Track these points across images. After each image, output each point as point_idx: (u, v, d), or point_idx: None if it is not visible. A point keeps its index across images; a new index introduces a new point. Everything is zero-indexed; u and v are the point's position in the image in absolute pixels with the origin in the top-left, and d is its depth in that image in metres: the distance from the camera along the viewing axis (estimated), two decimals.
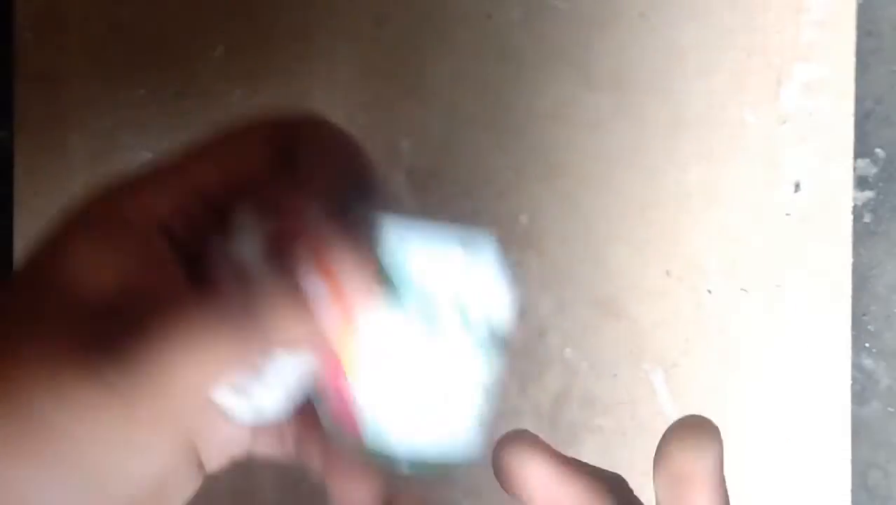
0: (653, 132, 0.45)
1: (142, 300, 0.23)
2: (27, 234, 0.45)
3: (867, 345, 0.46)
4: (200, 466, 0.27)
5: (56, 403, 0.22)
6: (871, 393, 0.46)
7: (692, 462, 0.22)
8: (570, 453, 0.45)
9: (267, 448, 0.28)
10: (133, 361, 0.21)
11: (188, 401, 0.22)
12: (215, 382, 0.22)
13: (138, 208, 0.24)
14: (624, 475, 0.45)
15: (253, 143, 0.25)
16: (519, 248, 0.44)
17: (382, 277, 0.23)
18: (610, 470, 0.26)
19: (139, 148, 0.45)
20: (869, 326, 0.46)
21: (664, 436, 0.22)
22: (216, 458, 0.27)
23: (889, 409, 0.46)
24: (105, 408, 0.22)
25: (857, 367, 0.45)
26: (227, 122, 0.26)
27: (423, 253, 0.24)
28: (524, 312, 0.45)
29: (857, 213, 0.45)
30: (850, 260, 0.44)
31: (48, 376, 0.22)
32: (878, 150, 0.46)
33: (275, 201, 0.24)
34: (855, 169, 0.45)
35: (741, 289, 0.44)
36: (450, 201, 0.45)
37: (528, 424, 0.45)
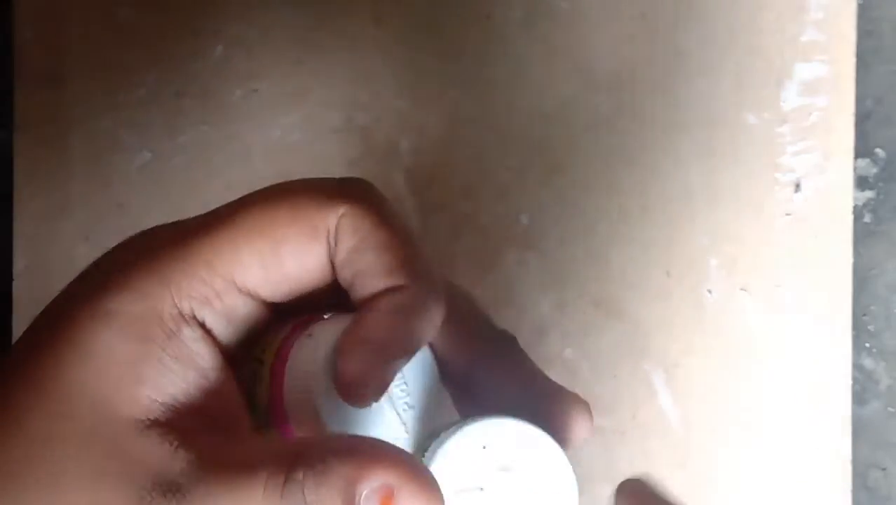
0: (653, 132, 0.45)
1: (199, 423, 0.21)
2: (27, 234, 0.44)
3: (867, 345, 0.46)
4: None
5: None
6: (872, 393, 0.46)
7: None
8: (571, 453, 0.45)
9: None
10: None
11: None
12: None
13: (168, 295, 0.22)
14: (624, 475, 0.45)
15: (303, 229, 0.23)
16: (519, 249, 0.44)
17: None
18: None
19: (139, 148, 0.45)
20: (869, 326, 0.46)
21: None
22: None
23: (889, 409, 0.46)
24: None
25: (857, 367, 0.45)
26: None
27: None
28: (525, 312, 0.45)
29: (858, 213, 0.45)
30: (851, 260, 0.44)
31: None
32: (878, 150, 0.46)
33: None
34: (855, 169, 0.45)
35: (741, 289, 0.44)
36: (450, 201, 0.44)
37: None
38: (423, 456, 0.23)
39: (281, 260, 0.22)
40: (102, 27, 0.45)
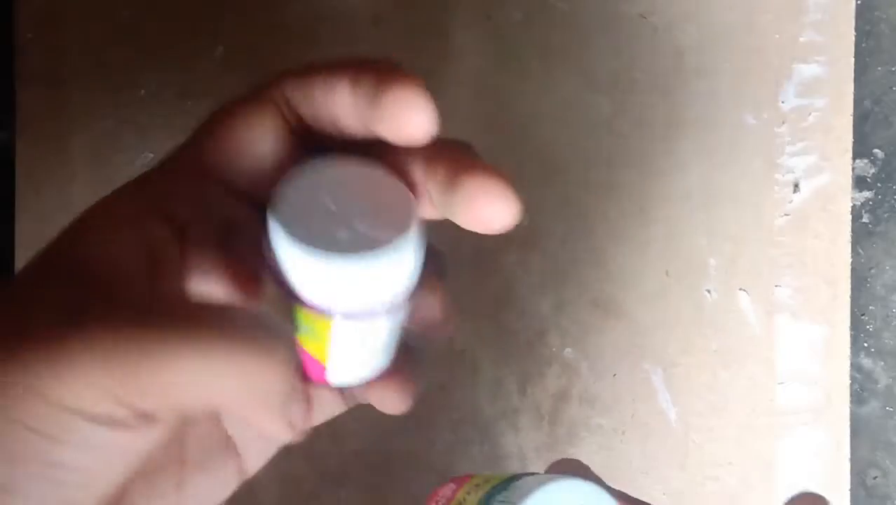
0: (652, 133, 0.45)
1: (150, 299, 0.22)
2: (28, 234, 0.45)
3: (866, 344, 0.46)
4: (240, 469, 0.27)
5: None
6: (870, 392, 0.46)
7: None
8: (570, 453, 0.45)
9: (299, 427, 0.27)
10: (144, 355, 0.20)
11: (188, 407, 0.21)
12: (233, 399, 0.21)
13: (147, 199, 0.24)
14: (623, 474, 0.45)
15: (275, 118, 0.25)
16: (519, 249, 0.45)
17: None
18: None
19: (140, 148, 0.45)
20: (868, 326, 0.46)
21: None
22: (254, 458, 0.27)
23: (888, 408, 0.46)
24: (92, 385, 0.20)
25: (855, 366, 0.46)
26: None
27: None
28: (524, 312, 0.45)
29: (856, 213, 0.46)
30: (849, 260, 0.44)
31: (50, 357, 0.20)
32: (876, 151, 0.46)
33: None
34: (853, 169, 0.45)
35: (740, 289, 0.44)
36: None
37: (528, 424, 0.45)
38: (513, 482, 0.25)
39: (237, 133, 0.24)
40: (103, 28, 0.45)
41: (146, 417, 0.21)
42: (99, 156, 0.45)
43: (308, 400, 0.28)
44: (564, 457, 0.27)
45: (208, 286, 0.24)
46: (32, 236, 0.45)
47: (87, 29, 0.45)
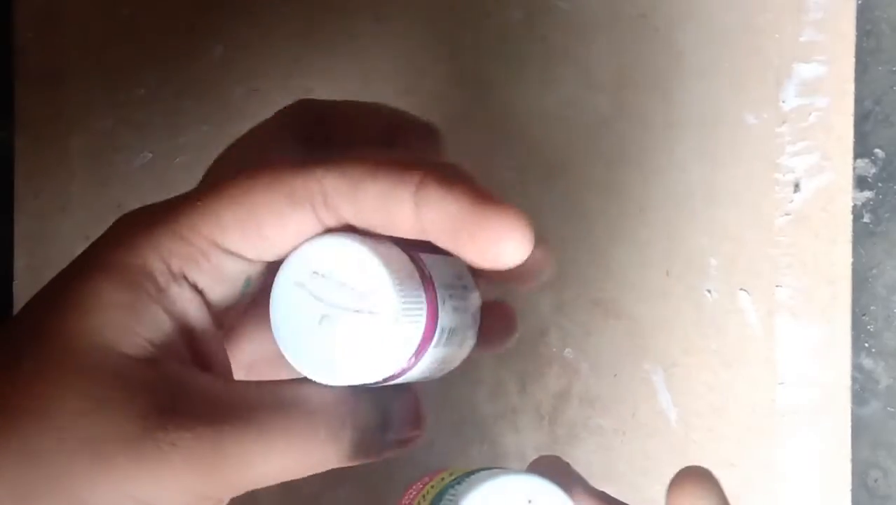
0: (653, 132, 0.45)
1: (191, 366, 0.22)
2: (27, 234, 0.45)
3: (867, 345, 0.46)
4: None
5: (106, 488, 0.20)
6: (871, 393, 0.46)
7: None
8: (570, 453, 0.45)
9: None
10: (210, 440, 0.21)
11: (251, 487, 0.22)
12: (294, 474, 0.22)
13: (157, 253, 0.23)
14: (623, 475, 0.45)
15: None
16: None
17: None
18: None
19: (139, 148, 0.45)
20: (869, 326, 0.46)
21: (669, 491, 0.23)
22: None
23: (889, 408, 0.46)
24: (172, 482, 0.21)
25: (856, 367, 0.46)
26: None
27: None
28: (524, 312, 0.45)
29: (857, 213, 0.45)
30: (850, 260, 0.44)
31: (95, 456, 0.20)
32: (877, 151, 0.46)
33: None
34: (854, 169, 0.45)
35: (741, 289, 0.44)
36: None
37: (528, 424, 0.45)
38: (460, 484, 0.24)
39: (261, 229, 0.23)
40: (103, 27, 0.45)
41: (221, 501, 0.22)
42: (98, 155, 0.45)
43: None
44: (552, 454, 0.27)
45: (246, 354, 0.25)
46: (31, 235, 0.45)
47: (86, 28, 0.45)
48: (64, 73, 0.45)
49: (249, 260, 0.23)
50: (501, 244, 0.23)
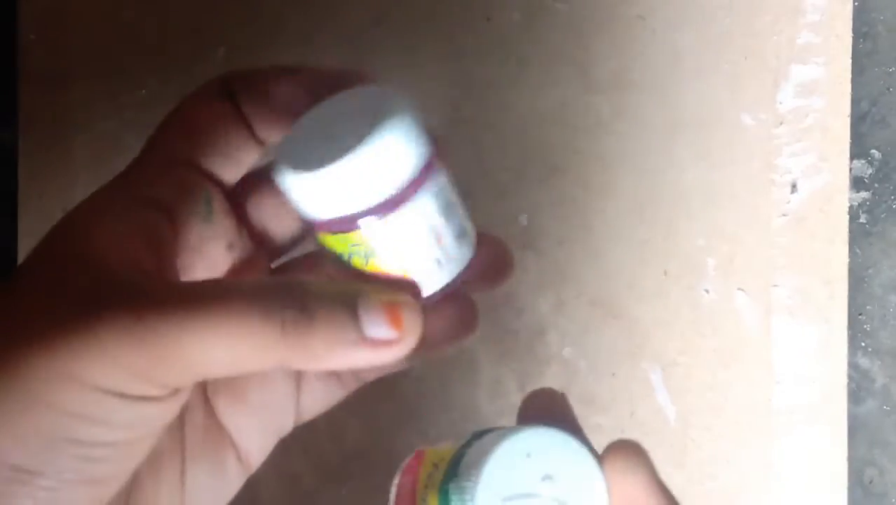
0: (651, 133, 0.45)
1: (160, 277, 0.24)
2: (31, 233, 0.45)
3: (863, 344, 0.46)
4: (239, 462, 0.27)
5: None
6: (867, 392, 0.46)
7: (632, 486, 0.23)
8: None
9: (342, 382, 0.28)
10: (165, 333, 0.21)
11: (206, 375, 0.22)
12: (238, 370, 0.22)
13: (133, 189, 0.25)
14: None
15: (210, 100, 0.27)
16: (518, 249, 0.45)
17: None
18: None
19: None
20: (865, 326, 0.46)
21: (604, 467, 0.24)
22: (252, 449, 0.28)
23: (885, 407, 0.46)
24: (118, 365, 0.21)
25: (853, 366, 0.46)
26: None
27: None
28: (524, 311, 0.45)
29: (853, 213, 0.46)
30: (847, 260, 0.45)
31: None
32: (873, 151, 0.46)
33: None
34: (851, 170, 0.45)
35: (738, 288, 0.45)
36: None
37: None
38: (464, 458, 0.24)
39: (198, 124, 0.27)
40: (106, 29, 0.45)
41: (170, 391, 0.22)
42: (101, 156, 0.45)
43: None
44: (547, 388, 0.28)
45: (200, 260, 0.26)
46: (35, 236, 0.45)
47: (89, 30, 0.45)
48: (67, 74, 0.45)
49: (209, 177, 0.26)
50: None
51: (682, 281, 0.45)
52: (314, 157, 0.24)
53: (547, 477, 0.23)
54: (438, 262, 0.25)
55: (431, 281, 0.26)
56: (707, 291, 0.45)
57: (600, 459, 0.24)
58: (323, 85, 0.27)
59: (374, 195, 0.24)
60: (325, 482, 0.45)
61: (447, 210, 0.26)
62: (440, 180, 0.25)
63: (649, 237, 0.45)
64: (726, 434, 0.44)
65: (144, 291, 0.22)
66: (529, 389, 0.45)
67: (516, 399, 0.45)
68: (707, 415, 0.44)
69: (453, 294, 0.27)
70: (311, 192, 0.24)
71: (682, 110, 0.45)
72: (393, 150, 0.24)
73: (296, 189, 0.24)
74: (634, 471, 0.23)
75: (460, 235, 0.26)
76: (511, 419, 0.45)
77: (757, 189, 0.44)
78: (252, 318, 0.22)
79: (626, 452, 0.24)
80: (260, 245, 0.28)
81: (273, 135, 0.27)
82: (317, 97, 0.27)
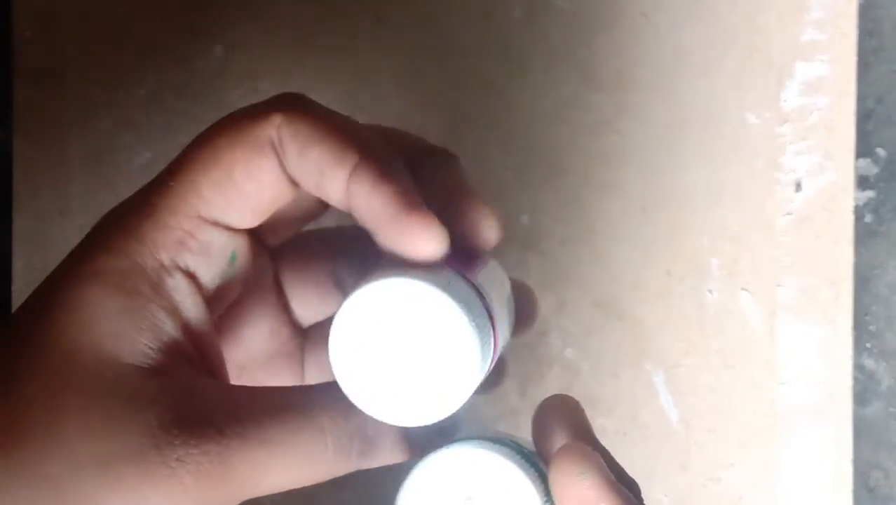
0: (654, 132, 0.45)
1: (197, 367, 0.23)
2: (26, 235, 0.44)
3: (868, 345, 0.46)
4: None
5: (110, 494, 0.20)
6: (873, 393, 0.46)
7: (584, 489, 0.23)
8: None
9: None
10: (215, 455, 0.21)
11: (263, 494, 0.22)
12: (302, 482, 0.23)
13: (146, 249, 0.23)
14: None
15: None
16: (520, 249, 0.44)
17: None
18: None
19: (138, 148, 0.45)
20: (870, 327, 0.46)
21: (552, 472, 0.24)
22: None
23: (890, 409, 0.46)
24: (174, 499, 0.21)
25: (858, 367, 0.45)
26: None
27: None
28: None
29: (859, 213, 0.45)
30: (852, 260, 0.44)
31: (99, 466, 0.20)
32: (879, 150, 0.46)
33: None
34: (856, 169, 0.45)
35: (742, 289, 0.44)
36: None
37: (528, 424, 0.44)
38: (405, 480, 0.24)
39: (236, 183, 0.23)
40: (102, 26, 0.45)
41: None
42: (97, 155, 0.45)
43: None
44: (561, 395, 0.27)
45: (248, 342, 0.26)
46: (29, 235, 0.44)
47: (85, 28, 0.45)
48: (63, 72, 0.45)
49: (233, 229, 0.24)
50: (415, 246, 0.23)
51: (686, 281, 0.44)
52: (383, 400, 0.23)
53: (469, 498, 0.23)
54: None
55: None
56: (711, 292, 0.44)
57: (549, 465, 0.24)
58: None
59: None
60: (326, 487, 0.44)
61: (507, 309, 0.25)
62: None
63: (652, 237, 0.44)
64: (730, 436, 0.44)
65: (209, 411, 0.21)
66: (530, 390, 0.45)
67: (517, 401, 0.45)
68: (711, 417, 0.44)
69: None
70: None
71: (686, 109, 0.44)
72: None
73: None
74: (584, 474, 0.23)
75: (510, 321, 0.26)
76: (512, 421, 0.44)
77: (761, 188, 0.44)
78: (324, 450, 0.23)
79: (574, 456, 0.24)
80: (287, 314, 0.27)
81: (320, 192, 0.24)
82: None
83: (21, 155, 0.45)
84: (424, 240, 0.23)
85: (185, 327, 0.23)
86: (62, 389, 0.21)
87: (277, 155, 0.23)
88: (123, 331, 0.21)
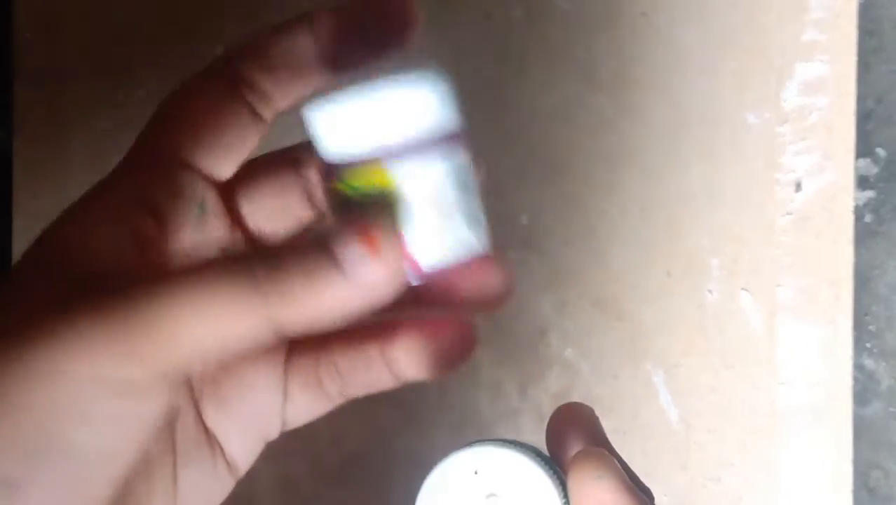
0: (654, 132, 0.45)
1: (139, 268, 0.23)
2: (26, 234, 0.44)
3: (868, 345, 0.46)
4: (229, 464, 0.27)
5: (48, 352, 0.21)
6: (873, 393, 0.46)
7: (601, 492, 0.23)
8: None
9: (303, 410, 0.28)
10: (138, 310, 0.21)
11: (194, 355, 0.22)
12: (228, 346, 0.22)
13: (124, 191, 0.25)
14: None
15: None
16: (520, 249, 0.44)
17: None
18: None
19: None
20: (870, 327, 0.46)
21: (570, 475, 0.24)
22: (240, 452, 0.27)
23: (890, 409, 0.46)
24: (102, 349, 0.21)
25: (858, 367, 0.45)
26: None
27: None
28: (525, 312, 0.45)
29: (859, 212, 0.45)
30: (852, 260, 0.44)
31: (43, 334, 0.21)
32: (879, 150, 0.46)
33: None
34: (856, 169, 0.45)
35: (742, 289, 0.44)
36: None
37: (529, 425, 0.45)
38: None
39: (209, 126, 0.26)
40: (102, 27, 0.45)
41: (159, 378, 0.22)
42: (97, 156, 0.45)
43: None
44: (577, 403, 0.27)
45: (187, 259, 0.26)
46: (30, 235, 0.44)
47: (85, 28, 0.45)
48: (63, 73, 0.45)
49: (205, 177, 0.25)
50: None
51: (686, 281, 0.44)
52: (343, 96, 0.24)
53: (491, 495, 0.23)
54: (440, 233, 0.25)
55: (427, 252, 0.25)
56: (711, 292, 0.44)
57: (568, 469, 0.24)
58: (327, 34, 0.26)
59: (397, 135, 0.24)
60: (324, 486, 0.44)
61: (463, 189, 0.25)
62: (463, 159, 0.25)
63: (652, 237, 0.44)
64: (730, 436, 0.44)
65: (125, 281, 0.22)
66: (530, 390, 0.45)
67: (517, 401, 0.45)
68: (710, 417, 0.44)
69: (452, 318, 0.26)
70: (336, 125, 0.24)
71: (686, 109, 0.44)
72: (423, 100, 0.25)
73: (321, 122, 0.24)
74: (601, 477, 0.23)
75: (469, 223, 0.26)
76: (512, 421, 0.45)
77: (761, 188, 0.44)
78: (224, 281, 0.21)
79: (591, 460, 0.24)
80: (253, 245, 0.27)
81: (279, 103, 0.26)
82: (324, 49, 0.26)
83: (21, 155, 0.45)
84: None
85: (140, 246, 0.24)
86: (32, 273, 0.23)
87: (240, 90, 0.26)
88: (96, 241, 0.23)
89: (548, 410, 0.45)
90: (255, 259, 0.22)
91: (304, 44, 0.26)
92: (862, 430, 0.45)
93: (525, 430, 0.44)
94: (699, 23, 0.45)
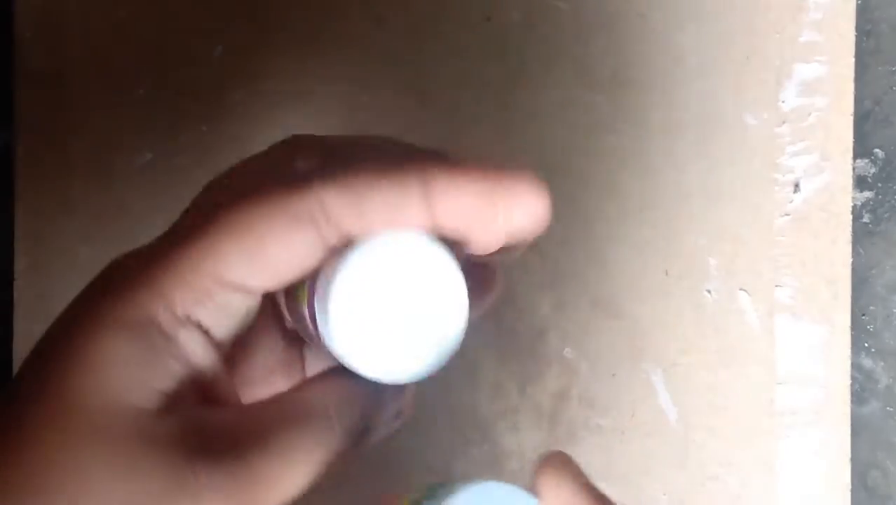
0: (652, 133, 0.45)
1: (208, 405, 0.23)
2: (28, 234, 0.45)
3: (866, 345, 0.46)
4: None
5: None
6: (871, 393, 0.46)
7: (565, 497, 0.23)
8: (570, 453, 0.45)
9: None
10: (232, 472, 0.22)
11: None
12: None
13: (161, 302, 0.22)
14: (623, 474, 0.45)
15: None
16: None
17: None
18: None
19: (140, 148, 0.45)
20: (868, 326, 0.46)
21: (536, 477, 0.24)
22: None
23: (888, 408, 0.46)
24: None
25: (856, 366, 0.46)
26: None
27: None
28: (524, 312, 0.45)
29: (857, 213, 0.45)
30: (850, 260, 0.44)
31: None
32: (876, 151, 0.46)
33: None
34: (854, 169, 0.45)
35: (740, 289, 0.44)
36: None
37: (528, 424, 0.45)
38: None
39: (267, 254, 0.22)
40: (103, 27, 0.45)
41: None
42: (98, 156, 0.45)
43: None
44: (557, 451, 0.27)
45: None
46: (32, 235, 0.45)
47: (86, 28, 0.45)
48: (64, 73, 0.45)
49: (253, 292, 0.23)
50: (529, 204, 0.23)
51: (684, 281, 0.44)
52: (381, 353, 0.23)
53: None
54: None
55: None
56: (709, 292, 0.44)
57: (537, 475, 0.24)
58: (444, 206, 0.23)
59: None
60: (322, 487, 0.44)
61: None
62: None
63: (650, 237, 0.45)
64: (728, 435, 0.44)
65: (224, 436, 0.22)
66: (529, 389, 0.45)
67: (516, 400, 0.45)
68: (709, 416, 0.44)
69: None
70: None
71: (684, 109, 0.45)
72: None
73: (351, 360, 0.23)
74: (564, 482, 0.23)
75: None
76: (511, 419, 0.45)
77: (759, 188, 0.44)
78: (328, 443, 0.24)
79: (554, 465, 0.24)
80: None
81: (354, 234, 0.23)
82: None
83: (23, 155, 0.45)
84: (534, 192, 0.23)
85: (197, 374, 0.23)
86: (82, 441, 0.21)
87: (316, 226, 0.22)
88: (135, 377, 0.22)
89: (547, 409, 0.45)
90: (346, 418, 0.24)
91: (416, 209, 0.22)
92: (860, 429, 0.45)
93: (524, 429, 0.45)
94: (697, 23, 0.45)
